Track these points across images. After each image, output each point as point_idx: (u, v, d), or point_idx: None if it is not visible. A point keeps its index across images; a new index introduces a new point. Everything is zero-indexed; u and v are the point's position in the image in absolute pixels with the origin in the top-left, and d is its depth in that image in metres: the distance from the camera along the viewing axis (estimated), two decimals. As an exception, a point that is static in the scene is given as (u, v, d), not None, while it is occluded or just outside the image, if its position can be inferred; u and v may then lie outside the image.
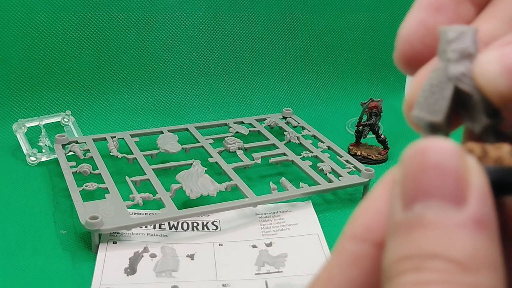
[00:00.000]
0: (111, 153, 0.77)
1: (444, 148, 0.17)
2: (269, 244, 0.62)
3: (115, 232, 0.61)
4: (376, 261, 0.19)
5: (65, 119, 0.83)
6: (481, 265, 0.16)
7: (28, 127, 0.81)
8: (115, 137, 0.80)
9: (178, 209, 0.63)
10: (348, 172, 0.74)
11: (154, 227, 0.63)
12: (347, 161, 0.77)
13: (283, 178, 0.71)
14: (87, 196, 0.65)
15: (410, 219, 0.17)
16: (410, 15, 0.25)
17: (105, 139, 0.80)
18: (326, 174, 0.73)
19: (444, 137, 0.20)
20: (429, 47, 0.23)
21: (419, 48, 0.23)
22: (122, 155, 0.76)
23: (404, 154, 0.18)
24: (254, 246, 0.61)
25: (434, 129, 0.21)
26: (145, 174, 0.70)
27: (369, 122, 0.85)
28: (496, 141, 0.21)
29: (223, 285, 0.55)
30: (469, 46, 0.21)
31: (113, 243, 0.60)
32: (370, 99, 0.85)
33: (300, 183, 0.70)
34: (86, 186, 0.66)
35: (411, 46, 0.23)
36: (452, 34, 0.21)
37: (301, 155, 0.79)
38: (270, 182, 0.70)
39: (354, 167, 0.75)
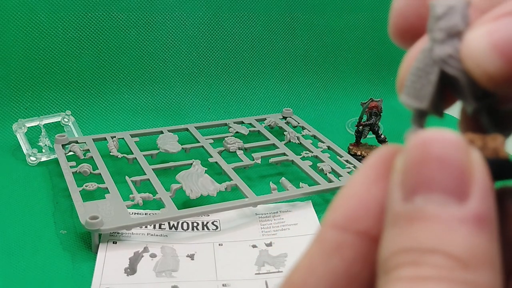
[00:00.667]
0: (111, 153, 0.77)
1: (448, 140, 0.17)
2: (269, 244, 0.62)
3: (115, 232, 0.61)
4: (359, 250, 0.18)
5: (65, 119, 0.83)
6: (481, 262, 0.16)
7: (28, 127, 0.81)
8: (115, 137, 0.80)
9: (178, 209, 0.62)
10: (348, 172, 0.74)
11: (154, 227, 0.63)
12: (347, 161, 0.77)
13: (283, 178, 0.71)
14: (87, 196, 0.65)
15: (410, 211, 0.17)
16: None
17: (105, 139, 0.80)
18: (326, 174, 0.73)
19: (437, 120, 0.20)
20: (424, 19, 0.21)
21: (413, 21, 0.21)
22: (122, 155, 0.76)
23: (407, 144, 0.18)
24: (254, 246, 0.61)
25: (422, 114, 0.20)
26: (145, 174, 0.70)
27: (369, 122, 0.85)
28: (490, 119, 0.20)
29: (223, 285, 0.55)
30: (458, 23, 0.19)
31: (113, 243, 0.60)
32: (370, 99, 0.85)
33: (300, 183, 0.70)
34: (86, 186, 0.66)
35: (405, 18, 0.22)
36: (440, 9, 0.19)
37: (301, 155, 0.79)
38: (270, 182, 0.70)
39: (354, 167, 0.75)
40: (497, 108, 0.20)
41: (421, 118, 0.20)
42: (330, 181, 0.72)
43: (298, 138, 0.84)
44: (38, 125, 0.82)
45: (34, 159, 0.78)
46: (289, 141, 0.84)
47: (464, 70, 0.19)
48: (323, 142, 0.83)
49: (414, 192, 0.17)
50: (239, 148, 0.80)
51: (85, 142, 0.78)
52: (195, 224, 0.64)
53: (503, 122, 0.20)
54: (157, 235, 0.62)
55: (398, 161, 0.18)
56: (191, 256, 0.59)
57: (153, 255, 0.59)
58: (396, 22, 0.22)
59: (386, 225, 0.17)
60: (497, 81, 0.17)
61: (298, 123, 0.89)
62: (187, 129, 0.85)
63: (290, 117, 0.91)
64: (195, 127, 0.85)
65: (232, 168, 0.73)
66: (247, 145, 0.81)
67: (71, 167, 0.71)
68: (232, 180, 0.70)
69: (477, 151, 0.17)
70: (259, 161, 0.77)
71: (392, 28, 0.22)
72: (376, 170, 0.19)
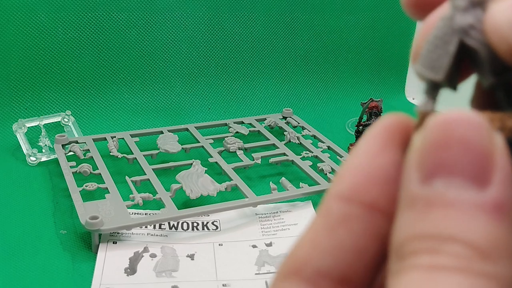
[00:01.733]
0: (111, 153, 0.77)
1: (471, 122, 0.16)
2: (269, 244, 0.62)
3: (115, 232, 0.61)
4: (366, 222, 0.17)
5: (65, 119, 0.83)
6: (501, 254, 0.15)
7: (28, 127, 0.80)
8: (115, 137, 0.80)
9: (178, 209, 0.62)
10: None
11: (154, 227, 0.63)
12: (347, 161, 0.77)
13: (283, 178, 0.71)
14: (87, 196, 0.65)
15: (429, 194, 0.16)
16: None
17: (105, 139, 0.80)
18: (326, 174, 0.73)
19: (449, 90, 0.19)
20: None
21: None
22: (122, 155, 0.76)
23: (428, 123, 0.17)
24: (254, 246, 0.61)
25: (435, 86, 0.19)
26: (145, 174, 0.70)
27: (369, 122, 0.85)
28: (506, 96, 0.19)
29: (223, 285, 0.55)
30: None
31: (113, 243, 0.60)
32: (370, 99, 0.85)
33: (300, 183, 0.70)
34: (86, 186, 0.66)
35: None
36: None
37: (301, 155, 0.79)
38: (270, 182, 0.70)
39: (354, 167, 0.75)
40: None
41: (434, 90, 0.19)
42: (330, 181, 0.72)
43: (298, 138, 0.84)
44: (38, 125, 0.82)
45: (34, 159, 0.78)
46: (289, 141, 0.84)
47: (486, 43, 0.18)
48: (323, 142, 0.83)
49: (434, 175, 0.16)
50: (239, 148, 0.80)
51: (85, 142, 0.78)
52: (195, 224, 0.64)
53: None
54: (157, 235, 0.62)
55: (416, 139, 0.17)
56: (191, 256, 0.59)
57: (153, 255, 0.59)
58: None
59: (402, 206, 0.17)
60: None
61: (298, 123, 0.89)
62: (187, 129, 0.85)
63: (290, 117, 0.91)
64: (195, 127, 0.85)
65: (232, 168, 0.73)
66: (247, 145, 0.81)
67: (71, 167, 0.71)
68: (232, 180, 0.70)
69: (499, 135, 0.17)
70: (259, 161, 0.77)
71: None
72: (380, 140, 0.18)
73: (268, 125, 0.89)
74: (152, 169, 0.71)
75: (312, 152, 0.80)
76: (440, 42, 0.19)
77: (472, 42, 0.18)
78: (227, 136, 0.82)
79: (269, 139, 0.83)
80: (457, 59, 0.18)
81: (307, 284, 0.18)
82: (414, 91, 1.11)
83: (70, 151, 0.76)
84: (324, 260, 0.18)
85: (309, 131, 0.87)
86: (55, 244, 0.61)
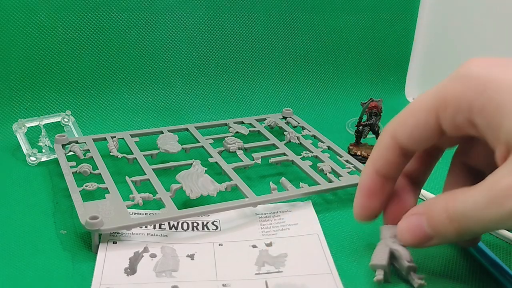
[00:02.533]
0: (111, 153, 0.77)
1: None
2: (269, 244, 0.62)
3: (115, 232, 0.61)
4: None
5: (65, 119, 0.83)
6: None
7: (28, 127, 0.81)
8: (115, 137, 0.80)
9: (178, 209, 0.62)
10: (348, 172, 0.74)
11: (154, 227, 0.63)
12: (347, 161, 0.77)
13: (283, 178, 0.71)
14: (87, 196, 0.65)
15: None
16: (356, 200, 0.51)
17: (105, 139, 0.80)
18: (326, 174, 0.73)
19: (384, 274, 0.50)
20: (373, 217, 0.52)
21: (372, 215, 0.52)
22: (122, 155, 0.76)
23: None
24: (254, 246, 0.61)
25: (382, 268, 0.50)
26: (145, 174, 0.70)
27: (369, 122, 0.85)
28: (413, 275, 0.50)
29: (223, 285, 0.55)
30: (394, 232, 0.50)
31: (113, 243, 0.60)
32: (370, 99, 0.85)
33: (300, 183, 0.70)
34: (86, 186, 0.66)
35: (367, 215, 0.52)
36: (383, 229, 0.52)
37: (301, 155, 0.79)
38: (270, 182, 0.70)
39: (354, 167, 0.75)
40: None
41: (381, 271, 0.50)
42: (330, 181, 0.72)
43: (298, 138, 0.84)
44: (38, 125, 0.82)
45: (34, 159, 0.78)
46: (289, 141, 0.84)
47: (399, 248, 0.50)
48: (323, 142, 0.83)
49: None
50: (239, 148, 0.80)
51: (85, 142, 0.78)
52: (195, 224, 0.64)
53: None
54: (157, 235, 0.62)
55: None
56: (191, 256, 0.59)
57: (153, 255, 0.59)
58: (358, 217, 0.53)
59: None
60: (412, 245, 0.47)
61: (298, 123, 0.89)
62: (187, 129, 0.85)
63: (290, 117, 0.91)
64: (195, 127, 0.85)
65: (232, 168, 0.73)
66: (247, 145, 0.81)
67: (71, 167, 0.71)
68: (232, 180, 0.70)
69: None
70: (259, 161, 0.77)
71: (357, 215, 0.53)
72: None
73: (268, 125, 0.89)
74: (152, 169, 0.71)
75: (312, 152, 0.80)
76: (382, 249, 0.50)
77: (394, 248, 0.50)
78: (227, 136, 0.82)
79: (269, 139, 0.83)
80: (390, 257, 0.50)
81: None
82: (414, 91, 1.11)
83: (70, 151, 0.76)
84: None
85: (309, 131, 0.87)
86: (55, 244, 0.61)
